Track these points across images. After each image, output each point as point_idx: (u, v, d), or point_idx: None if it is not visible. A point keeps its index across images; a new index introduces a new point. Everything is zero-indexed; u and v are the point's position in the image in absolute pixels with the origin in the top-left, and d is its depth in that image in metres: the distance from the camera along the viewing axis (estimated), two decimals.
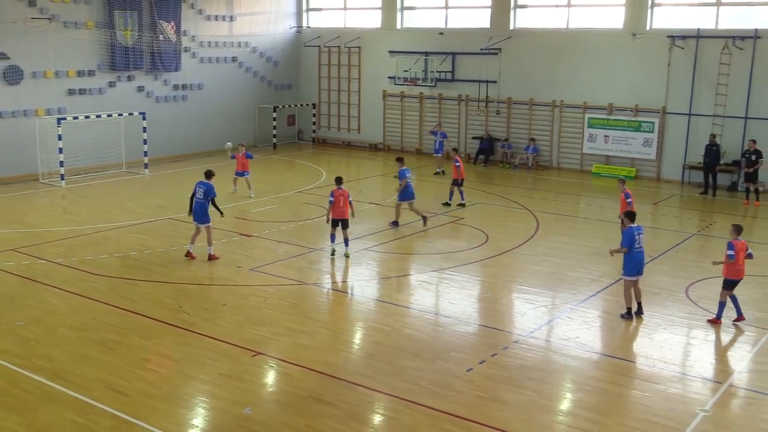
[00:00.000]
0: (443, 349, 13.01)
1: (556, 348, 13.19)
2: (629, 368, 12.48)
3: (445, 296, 15.89)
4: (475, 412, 10.74)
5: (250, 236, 19.80)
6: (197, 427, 10.44)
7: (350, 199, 17.94)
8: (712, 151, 26.49)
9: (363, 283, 16.68)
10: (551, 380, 12.00)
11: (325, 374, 11.85)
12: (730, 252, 13.76)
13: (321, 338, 13.43)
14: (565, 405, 11.33)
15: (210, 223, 17.56)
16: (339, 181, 18.11)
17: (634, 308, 14.42)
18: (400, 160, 21.65)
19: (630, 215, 14.56)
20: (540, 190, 27.25)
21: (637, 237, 14.16)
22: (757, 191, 25.04)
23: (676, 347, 13.37)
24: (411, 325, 14.12)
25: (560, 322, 14.34)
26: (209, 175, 17.76)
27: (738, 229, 14.06)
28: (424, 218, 20.85)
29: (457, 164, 23.18)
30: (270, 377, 11.97)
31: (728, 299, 14.02)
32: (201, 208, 17.39)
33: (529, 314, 14.73)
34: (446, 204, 23.57)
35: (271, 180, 27.75)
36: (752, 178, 25.05)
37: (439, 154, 29.54)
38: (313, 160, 32.61)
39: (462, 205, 23.40)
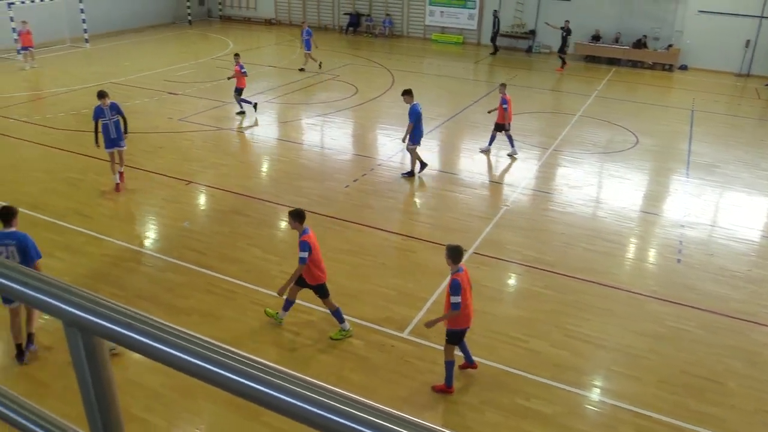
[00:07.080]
0: (328, 172, 13.18)
1: (406, 167, 13.56)
2: (454, 179, 13.08)
3: (328, 134, 15.82)
4: (351, 214, 11.15)
5: (177, 94, 18.73)
6: (150, 238, 10.37)
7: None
8: (497, 22, 26.99)
9: (266, 127, 16.31)
10: (403, 190, 12.48)
11: (241, 194, 11.85)
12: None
13: (238, 169, 13.26)
14: (413, 208, 11.90)
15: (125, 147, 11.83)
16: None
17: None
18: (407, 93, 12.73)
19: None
20: (394, 54, 26.83)
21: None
22: (564, 61, 24.28)
23: (483, 163, 14.05)
24: (304, 156, 14.13)
25: None
26: (103, 95, 11.15)
27: None
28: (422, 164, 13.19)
29: (505, 106, 13.87)
30: (201, 199, 11.85)
31: None
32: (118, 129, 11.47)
33: (388, 144, 14.97)
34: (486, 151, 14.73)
35: (190, 50, 25.96)
36: (563, 50, 24.25)
37: (307, 51, 22.10)
38: (222, 33, 30.43)
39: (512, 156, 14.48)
